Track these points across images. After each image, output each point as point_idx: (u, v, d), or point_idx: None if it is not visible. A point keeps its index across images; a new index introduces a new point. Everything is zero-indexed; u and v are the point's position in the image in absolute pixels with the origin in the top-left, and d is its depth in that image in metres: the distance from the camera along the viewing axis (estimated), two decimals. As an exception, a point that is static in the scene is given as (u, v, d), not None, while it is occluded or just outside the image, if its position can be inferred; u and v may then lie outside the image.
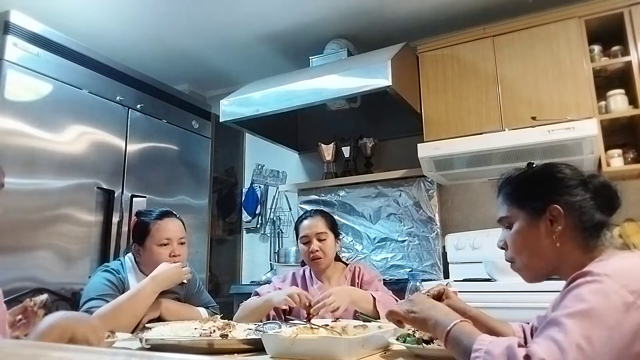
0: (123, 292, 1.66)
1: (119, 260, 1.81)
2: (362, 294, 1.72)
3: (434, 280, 2.81)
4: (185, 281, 1.69)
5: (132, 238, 1.80)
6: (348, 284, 1.89)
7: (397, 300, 1.76)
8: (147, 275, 1.73)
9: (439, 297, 1.19)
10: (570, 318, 0.77)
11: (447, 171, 2.74)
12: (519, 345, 0.78)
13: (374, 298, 1.69)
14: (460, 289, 1.60)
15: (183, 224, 1.83)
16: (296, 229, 2.00)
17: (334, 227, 1.98)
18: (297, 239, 1.99)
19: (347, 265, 2.00)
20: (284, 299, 1.62)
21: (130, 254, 1.80)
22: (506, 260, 1.08)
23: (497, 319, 1.18)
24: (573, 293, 0.82)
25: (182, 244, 1.78)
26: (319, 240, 1.89)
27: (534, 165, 1.09)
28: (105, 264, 1.80)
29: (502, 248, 1.10)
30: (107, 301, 1.55)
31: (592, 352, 0.74)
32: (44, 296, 1.15)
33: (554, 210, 0.96)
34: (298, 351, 1.03)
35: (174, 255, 1.73)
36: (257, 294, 1.91)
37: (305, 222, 1.95)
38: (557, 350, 0.74)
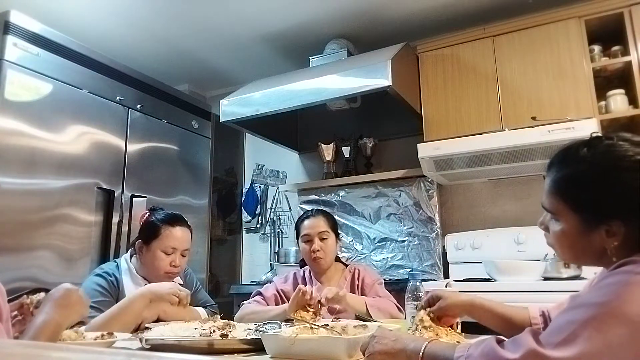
0: (117, 296, 1.66)
1: (115, 262, 1.80)
2: (356, 298, 1.73)
3: (434, 280, 2.81)
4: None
5: (138, 234, 1.79)
6: (348, 286, 1.89)
7: (396, 305, 1.76)
8: (142, 277, 1.73)
9: (433, 303, 1.16)
10: (591, 307, 0.72)
11: (447, 171, 2.74)
12: (499, 341, 0.77)
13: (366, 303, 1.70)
14: (460, 289, 1.60)
15: (191, 232, 1.83)
16: (297, 227, 2.00)
17: (335, 227, 1.98)
18: (297, 238, 1.99)
19: (346, 266, 2.00)
20: (293, 309, 1.59)
21: (126, 255, 1.80)
22: (547, 244, 0.97)
23: (511, 306, 1.13)
24: (609, 280, 0.76)
25: (184, 255, 1.77)
26: (321, 239, 1.90)
27: (602, 142, 0.87)
28: (100, 266, 1.79)
29: (542, 229, 0.97)
30: (98, 308, 1.55)
31: (606, 348, 0.69)
32: (41, 295, 1.15)
33: (615, 225, 0.82)
34: (298, 351, 1.03)
35: (173, 265, 1.73)
36: (259, 293, 1.91)
37: (307, 222, 1.94)
38: (563, 338, 0.70)
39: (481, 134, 2.55)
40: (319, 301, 1.59)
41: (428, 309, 1.15)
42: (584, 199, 0.86)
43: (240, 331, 1.23)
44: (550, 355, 0.70)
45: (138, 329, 1.49)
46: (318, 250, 1.88)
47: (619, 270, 0.77)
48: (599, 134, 0.91)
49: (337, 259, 2.01)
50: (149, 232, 1.74)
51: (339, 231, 2.05)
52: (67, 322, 1.12)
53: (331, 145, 3.35)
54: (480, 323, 1.16)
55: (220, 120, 2.92)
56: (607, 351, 0.69)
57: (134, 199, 2.60)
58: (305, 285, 1.92)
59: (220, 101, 2.95)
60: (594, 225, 0.84)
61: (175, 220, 1.78)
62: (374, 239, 3.17)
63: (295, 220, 2.11)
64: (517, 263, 2.32)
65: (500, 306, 1.13)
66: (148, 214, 1.80)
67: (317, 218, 1.95)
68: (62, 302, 1.09)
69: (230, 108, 2.89)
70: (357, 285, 1.90)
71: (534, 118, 2.46)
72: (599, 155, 0.86)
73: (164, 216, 1.78)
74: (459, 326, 1.19)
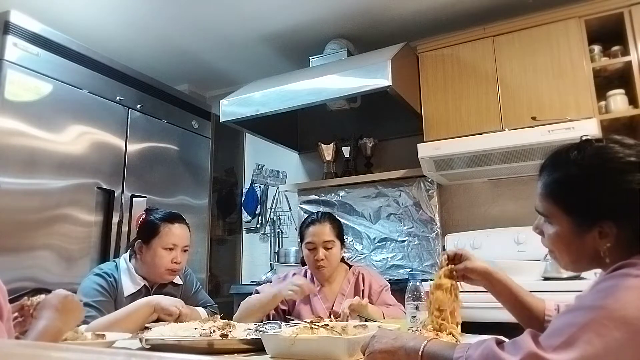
0: (115, 296, 1.67)
1: (114, 261, 1.81)
2: (376, 310, 1.71)
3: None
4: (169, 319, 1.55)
5: (137, 235, 1.79)
6: (351, 288, 1.87)
7: (404, 312, 1.76)
8: (142, 277, 1.74)
9: (456, 259, 1.17)
10: (590, 310, 0.72)
11: (447, 171, 2.74)
12: (499, 342, 0.77)
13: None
14: (460, 289, 1.60)
15: (189, 230, 1.83)
16: (302, 232, 1.94)
17: (340, 234, 1.93)
18: (301, 242, 1.94)
19: (350, 267, 1.97)
20: (292, 290, 1.61)
21: (125, 255, 1.80)
22: (544, 245, 0.97)
23: (529, 293, 1.13)
24: (607, 283, 0.76)
25: (185, 251, 1.79)
26: (326, 248, 1.84)
27: (592, 145, 0.88)
28: (99, 266, 1.80)
29: (538, 233, 0.98)
30: (97, 308, 1.55)
31: (605, 352, 0.69)
32: (42, 297, 1.15)
33: (606, 227, 0.83)
34: (298, 351, 1.03)
35: (175, 262, 1.73)
36: (257, 292, 1.90)
37: (312, 228, 1.88)
38: (562, 341, 0.71)
39: (481, 134, 2.55)
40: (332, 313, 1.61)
41: (451, 266, 1.17)
42: (575, 201, 0.87)
43: (240, 331, 1.23)
44: (549, 358, 0.70)
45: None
46: (322, 260, 1.83)
47: (616, 273, 0.77)
48: (589, 137, 0.91)
49: (341, 259, 1.99)
50: (148, 231, 1.74)
51: (345, 236, 2.01)
52: (67, 328, 1.11)
53: (331, 145, 3.35)
54: (494, 296, 1.15)
55: (220, 120, 2.92)
56: (606, 354, 0.69)
57: (134, 199, 2.60)
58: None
59: (220, 101, 2.95)
60: (587, 227, 0.85)
61: (174, 217, 1.79)
62: (374, 239, 3.17)
63: (298, 222, 2.10)
64: (517, 263, 2.31)
65: (518, 287, 1.12)
66: (144, 214, 1.81)
67: (323, 225, 1.88)
68: (61, 307, 1.08)
69: (230, 108, 2.89)
70: (362, 290, 1.86)
71: (534, 118, 2.46)
72: (589, 157, 0.86)
73: (162, 214, 1.79)
74: (459, 326, 1.19)
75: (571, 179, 0.88)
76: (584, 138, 0.91)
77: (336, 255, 1.88)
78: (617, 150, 0.85)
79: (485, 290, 1.17)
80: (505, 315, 1.22)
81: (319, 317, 1.61)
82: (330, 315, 1.65)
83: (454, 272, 1.17)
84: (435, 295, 1.14)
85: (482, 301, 1.93)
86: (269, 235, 3.61)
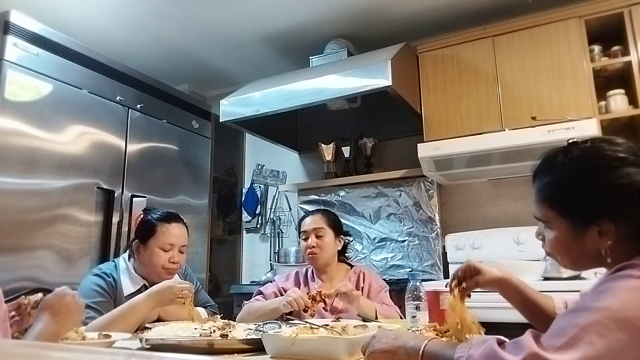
0: (115, 296, 1.66)
1: (113, 261, 1.81)
2: (368, 302, 1.73)
3: (434, 280, 2.81)
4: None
5: (135, 234, 1.79)
6: (352, 286, 1.89)
7: (400, 315, 1.76)
8: (141, 277, 1.74)
9: (466, 275, 1.12)
10: (593, 311, 0.72)
11: (447, 171, 2.74)
12: (500, 342, 0.77)
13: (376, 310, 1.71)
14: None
15: (187, 230, 1.83)
16: (298, 226, 2.06)
17: (334, 225, 1.99)
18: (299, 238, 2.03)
19: (351, 266, 2.00)
20: (285, 304, 1.63)
21: (125, 255, 1.80)
22: (545, 250, 0.98)
23: (539, 292, 1.13)
24: (610, 284, 0.76)
25: (182, 252, 1.78)
26: (317, 236, 1.92)
27: (579, 146, 0.89)
28: (98, 266, 1.79)
29: (540, 240, 0.99)
30: (97, 309, 1.55)
31: (607, 353, 0.69)
32: (39, 296, 1.15)
33: (604, 225, 0.83)
34: (298, 351, 1.03)
35: (172, 262, 1.73)
36: (260, 292, 1.92)
37: (306, 219, 1.99)
38: (564, 342, 0.70)
39: (481, 134, 2.55)
40: (320, 293, 1.63)
41: (461, 283, 1.11)
42: (569, 202, 0.88)
43: (240, 331, 1.23)
44: (551, 358, 0.70)
45: (138, 329, 1.49)
46: (313, 247, 1.89)
47: (618, 274, 0.77)
48: (576, 140, 0.92)
49: (343, 260, 2.02)
50: (145, 231, 1.74)
51: (344, 230, 2.06)
52: (65, 330, 1.10)
53: (331, 145, 3.35)
54: (505, 299, 1.14)
55: (220, 120, 2.92)
56: (608, 355, 0.69)
57: (134, 199, 2.60)
58: (308, 284, 1.94)
59: (220, 101, 2.95)
60: (585, 227, 0.86)
61: (171, 217, 1.79)
62: (374, 239, 3.17)
63: (296, 220, 2.14)
64: (517, 263, 2.32)
65: (529, 289, 1.13)
66: (142, 214, 1.81)
67: (316, 216, 1.98)
68: (58, 309, 1.07)
69: (230, 108, 2.89)
70: (362, 287, 1.89)
71: (534, 118, 2.46)
72: (576, 158, 0.88)
73: (159, 214, 1.79)
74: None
75: (562, 181, 0.90)
76: (570, 141, 0.92)
77: (328, 244, 1.93)
78: (605, 148, 0.87)
79: (489, 291, 1.16)
80: (506, 315, 1.22)
81: (317, 293, 1.63)
82: (320, 296, 1.65)
83: (468, 291, 1.11)
84: (453, 318, 1.06)
85: (483, 301, 1.93)
86: (269, 235, 3.61)
